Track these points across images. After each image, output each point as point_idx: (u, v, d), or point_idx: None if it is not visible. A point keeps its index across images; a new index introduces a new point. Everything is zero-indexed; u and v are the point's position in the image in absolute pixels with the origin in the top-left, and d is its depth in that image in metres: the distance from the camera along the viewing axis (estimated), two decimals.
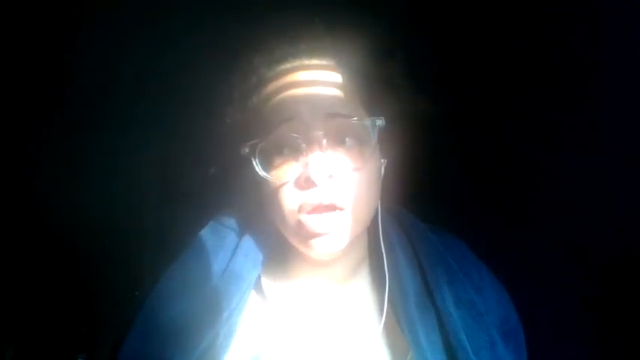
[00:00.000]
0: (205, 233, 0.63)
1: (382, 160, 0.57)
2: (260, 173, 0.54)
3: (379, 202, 0.58)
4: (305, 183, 0.52)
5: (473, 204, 0.82)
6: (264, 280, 0.60)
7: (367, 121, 0.54)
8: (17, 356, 0.79)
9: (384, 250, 0.58)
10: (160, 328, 0.55)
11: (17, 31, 0.71)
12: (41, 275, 0.81)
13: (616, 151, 0.71)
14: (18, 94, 0.76)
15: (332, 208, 0.53)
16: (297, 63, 0.55)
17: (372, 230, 0.61)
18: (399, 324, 0.56)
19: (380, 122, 0.54)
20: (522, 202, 0.79)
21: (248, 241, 0.60)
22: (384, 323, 0.57)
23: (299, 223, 0.53)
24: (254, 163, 0.54)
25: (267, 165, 0.55)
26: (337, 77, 0.55)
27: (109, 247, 0.81)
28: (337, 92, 0.55)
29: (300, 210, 0.53)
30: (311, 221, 0.53)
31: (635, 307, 0.70)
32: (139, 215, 0.80)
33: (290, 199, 0.53)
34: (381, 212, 0.58)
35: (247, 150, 0.55)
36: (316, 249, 0.54)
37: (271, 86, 0.56)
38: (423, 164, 0.69)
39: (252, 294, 0.59)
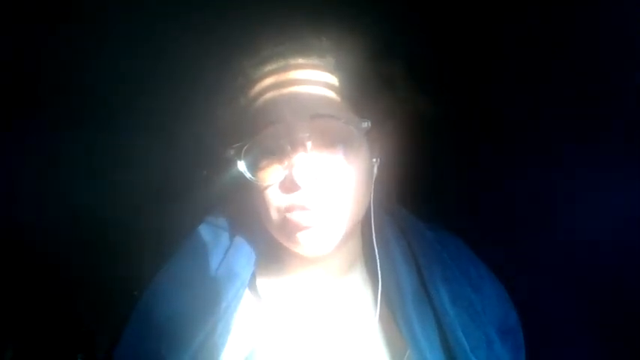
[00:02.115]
0: (199, 232, 0.63)
1: (374, 160, 0.57)
2: (246, 175, 0.55)
3: (371, 200, 0.57)
4: (290, 185, 0.52)
5: (473, 204, 0.82)
6: (258, 277, 0.61)
7: (353, 122, 0.54)
8: (17, 356, 0.79)
9: (376, 247, 0.58)
10: (156, 325, 0.56)
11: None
12: (41, 275, 0.81)
13: (617, 151, 0.71)
14: (18, 92, 0.77)
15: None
16: (282, 63, 0.55)
17: (366, 228, 0.60)
18: (395, 321, 0.56)
19: (366, 123, 0.54)
20: (522, 201, 0.79)
21: (241, 239, 0.61)
22: (381, 321, 0.57)
23: (284, 219, 0.54)
24: (239, 165, 0.55)
25: (254, 167, 0.55)
26: (324, 77, 0.55)
27: (108, 247, 0.81)
28: (324, 92, 0.54)
29: (285, 210, 0.53)
30: (295, 216, 0.53)
31: (635, 307, 0.70)
32: (139, 215, 0.80)
33: (276, 201, 0.54)
34: (374, 210, 0.58)
35: (232, 152, 0.55)
36: (302, 243, 0.54)
37: (257, 87, 0.55)
38: (422, 164, 0.69)
39: (247, 292, 0.60)
